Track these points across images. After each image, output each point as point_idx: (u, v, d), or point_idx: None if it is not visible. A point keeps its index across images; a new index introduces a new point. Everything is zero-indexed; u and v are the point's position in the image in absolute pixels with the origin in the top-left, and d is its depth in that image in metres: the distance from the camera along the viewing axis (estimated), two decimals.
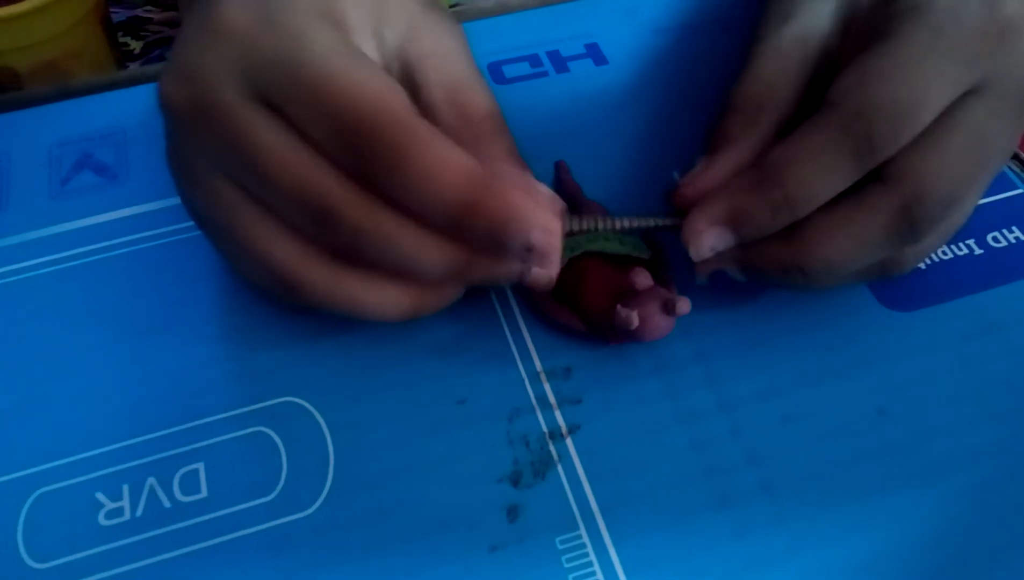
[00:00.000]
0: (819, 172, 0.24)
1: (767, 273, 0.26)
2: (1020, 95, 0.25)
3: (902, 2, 0.25)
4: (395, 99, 0.22)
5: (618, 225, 0.27)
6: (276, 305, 0.29)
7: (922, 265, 0.31)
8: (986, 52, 0.24)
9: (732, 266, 0.27)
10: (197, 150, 0.23)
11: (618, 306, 0.26)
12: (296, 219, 0.23)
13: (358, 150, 0.21)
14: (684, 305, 0.25)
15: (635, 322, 0.25)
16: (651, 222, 0.27)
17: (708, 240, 0.25)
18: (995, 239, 0.31)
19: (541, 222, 0.22)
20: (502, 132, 0.25)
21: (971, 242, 0.31)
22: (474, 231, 0.22)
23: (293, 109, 0.22)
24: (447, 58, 0.25)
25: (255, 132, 0.22)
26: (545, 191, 0.24)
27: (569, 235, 0.26)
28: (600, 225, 0.26)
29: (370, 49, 0.24)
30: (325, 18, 0.23)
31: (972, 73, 0.24)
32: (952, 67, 0.24)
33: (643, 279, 0.26)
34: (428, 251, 0.23)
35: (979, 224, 0.32)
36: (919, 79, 0.23)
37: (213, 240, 0.25)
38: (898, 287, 0.30)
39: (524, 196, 0.23)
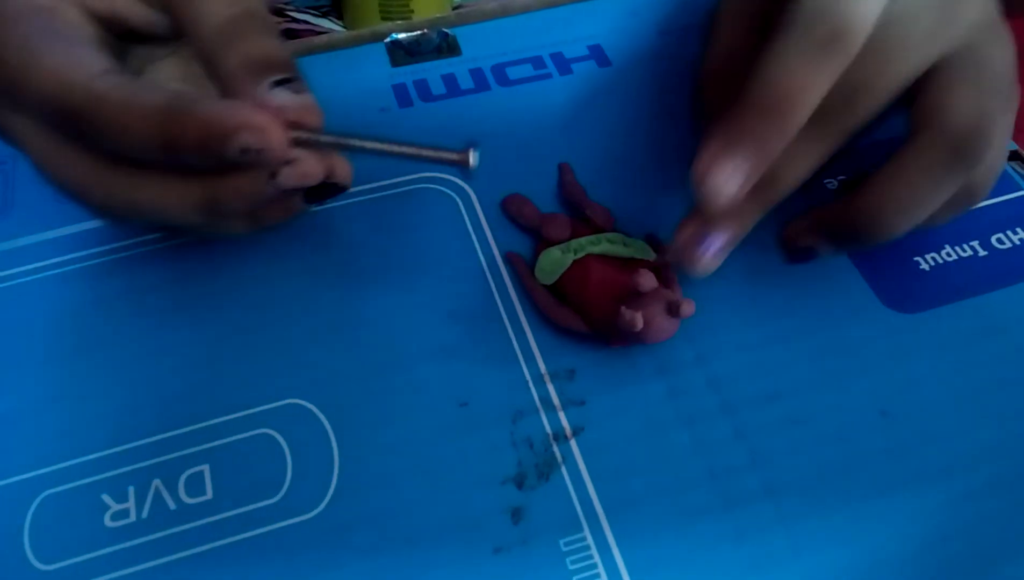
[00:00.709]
0: (798, 64, 0.23)
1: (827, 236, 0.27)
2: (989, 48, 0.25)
3: None
4: (78, 71, 0.22)
5: (379, 147, 0.24)
6: (278, 306, 0.29)
7: (926, 266, 0.31)
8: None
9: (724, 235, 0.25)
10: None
11: (622, 308, 0.26)
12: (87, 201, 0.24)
13: (68, 127, 0.22)
14: (688, 307, 0.25)
15: (639, 324, 0.25)
16: (414, 150, 0.24)
17: (722, 169, 0.23)
18: (999, 241, 0.31)
19: (242, 120, 0.21)
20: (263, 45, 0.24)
21: (975, 244, 0.31)
22: (190, 157, 0.22)
23: (24, 110, 0.23)
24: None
25: (22, 137, 0.24)
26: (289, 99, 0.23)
27: (316, 145, 0.23)
28: (350, 141, 0.24)
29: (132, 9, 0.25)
30: (22, 16, 0.23)
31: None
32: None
33: (647, 281, 0.26)
34: (170, 194, 0.23)
35: (983, 225, 0.32)
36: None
37: None
38: (901, 288, 0.30)
39: (227, 105, 0.22)
